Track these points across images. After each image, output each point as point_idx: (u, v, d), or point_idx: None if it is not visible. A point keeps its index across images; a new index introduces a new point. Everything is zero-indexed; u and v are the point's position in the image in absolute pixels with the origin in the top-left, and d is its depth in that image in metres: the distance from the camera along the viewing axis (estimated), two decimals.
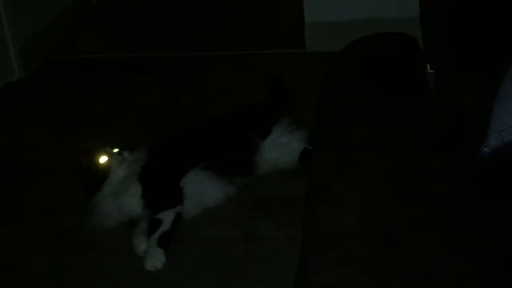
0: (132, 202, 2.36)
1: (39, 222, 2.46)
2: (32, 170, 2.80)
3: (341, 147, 1.68)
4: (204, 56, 3.83)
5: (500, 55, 1.76)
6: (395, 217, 1.38)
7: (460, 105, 1.80)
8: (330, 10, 3.63)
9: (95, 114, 3.24)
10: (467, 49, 1.86)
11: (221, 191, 2.43)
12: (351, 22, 3.54)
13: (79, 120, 3.19)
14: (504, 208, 1.39)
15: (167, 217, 2.28)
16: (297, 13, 3.75)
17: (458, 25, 1.89)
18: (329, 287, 1.25)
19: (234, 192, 2.45)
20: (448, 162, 1.55)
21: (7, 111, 3.36)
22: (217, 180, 2.43)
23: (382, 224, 1.37)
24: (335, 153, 1.67)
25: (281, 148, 2.56)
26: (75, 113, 3.26)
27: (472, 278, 1.22)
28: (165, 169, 2.45)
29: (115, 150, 2.42)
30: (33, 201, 2.59)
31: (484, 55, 1.82)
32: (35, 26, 3.82)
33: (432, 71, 1.99)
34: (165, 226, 2.26)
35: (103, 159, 2.39)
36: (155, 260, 2.18)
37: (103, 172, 2.38)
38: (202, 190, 2.41)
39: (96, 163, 2.39)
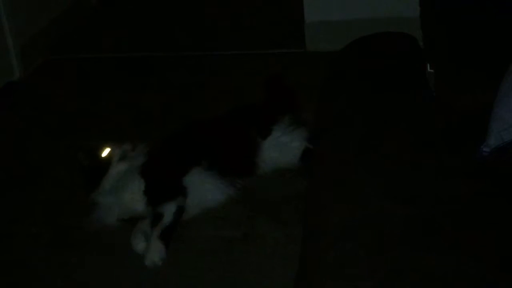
0: (135, 198, 2.36)
1: (39, 222, 2.46)
2: (32, 170, 2.80)
3: (341, 146, 1.68)
4: (204, 56, 3.83)
5: (499, 55, 1.76)
6: (395, 217, 1.39)
7: (460, 104, 1.80)
8: (330, 10, 3.63)
9: (95, 114, 3.23)
10: (467, 49, 1.86)
11: (222, 193, 2.43)
12: (351, 22, 3.54)
13: (79, 120, 3.19)
14: (504, 208, 1.39)
15: (168, 210, 2.28)
16: (297, 13, 3.75)
17: (458, 25, 1.89)
18: (329, 287, 1.25)
19: (235, 194, 2.45)
20: (448, 162, 1.55)
21: (7, 111, 3.36)
22: (219, 181, 2.43)
23: (382, 224, 1.37)
24: (335, 153, 1.67)
25: (282, 147, 2.56)
26: (75, 113, 3.26)
27: (472, 278, 1.22)
28: (167, 165, 2.45)
29: (117, 145, 2.42)
30: (33, 201, 2.59)
31: (483, 55, 1.82)
32: (35, 26, 3.82)
33: (432, 71, 1.99)
34: (167, 219, 2.25)
35: (105, 152, 2.39)
36: (155, 256, 2.18)
37: (104, 166, 2.38)
38: (204, 191, 2.41)
39: (97, 156, 2.39)
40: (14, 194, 2.66)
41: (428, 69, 2.01)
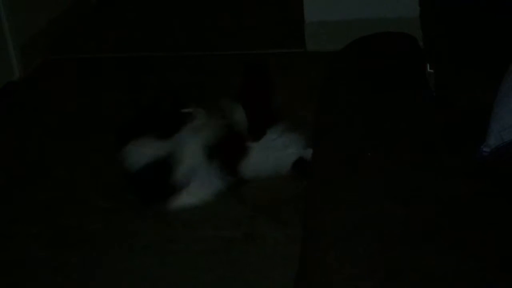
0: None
1: (39, 222, 2.46)
2: (32, 170, 2.80)
3: (341, 146, 1.68)
4: (204, 56, 3.83)
5: (500, 55, 1.76)
6: (395, 217, 1.39)
7: (460, 104, 1.80)
8: (330, 10, 3.63)
9: (95, 114, 3.24)
10: (467, 49, 1.86)
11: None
12: (351, 22, 3.54)
13: (79, 120, 3.19)
14: (504, 208, 1.39)
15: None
16: (297, 13, 3.75)
17: (458, 25, 1.89)
18: (329, 287, 1.25)
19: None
20: (448, 162, 1.55)
21: (7, 111, 3.36)
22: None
23: (382, 224, 1.37)
24: (335, 153, 1.67)
25: (274, 152, 2.51)
26: (75, 112, 3.26)
27: (472, 278, 1.22)
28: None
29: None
30: (33, 201, 2.59)
31: (484, 55, 1.82)
32: (35, 26, 3.82)
33: (432, 71, 1.99)
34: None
35: (186, 109, 2.40)
36: None
37: (184, 119, 2.38)
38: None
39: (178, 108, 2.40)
40: (14, 194, 2.66)
41: (428, 69, 2.01)
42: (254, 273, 2.13)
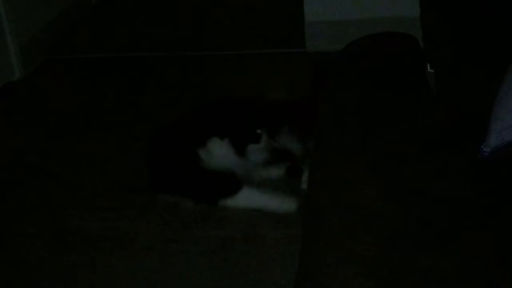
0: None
1: (39, 222, 2.46)
2: (32, 170, 2.80)
3: (341, 146, 1.68)
4: (204, 56, 3.83)
5: (500, 54, 1.76)
6: (395, 217, 1.39)
7: (460, 104, 1.80)
8: (330, 10, 3.63)
9: (95, 114, 3.23)
10: (467, 49, 1.86)
11: None
12: (351, 22, 3.54)
13: (79, 120, 3.19)
14: (504, 208, 1.39)
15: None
16: (297, 13, 3.75)
17: (458, 24, 1.89)
18: (330, 287, 1.25)
19: None
20: (448, 162, 1.55)
21: (7, 111, 3.36)
22: None
23: (382, 224, 1.37)
24: (335, 152, 1.67)
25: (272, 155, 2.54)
26: (75, 112, 3.26)
27: (472, 278, 1.22)
28: None
29: None
30: (33, 201, 2.59)
31: (484, 55, 1.82)
32: (35, 26, 3.82)
33: (432, 71, 1.99)
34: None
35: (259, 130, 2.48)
36: None
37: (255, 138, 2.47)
38: None
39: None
40: (14, 194, 2.66)
41: (428, 69, 2.01)
42: (254, 273, 2.13)
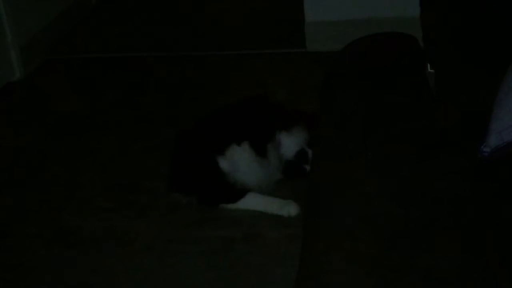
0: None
1: (39, 222, 2.46)
2: (32, 170, 2.80)
3: (342, 146, 1.68)
4: (204, 56, 3.83)
5: (500, 55, 1.76)
6: (395, 217, 1.39)
7: (460, 104, 1.80)
8: (330, 10, 3.63)
9: (95, 114, 3.23)
10: (467, 49, 1.86)
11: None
12: (351, 22, 3.54)
13: (79, 120, 3.19)
14: (505, 208, 1.39)
15: None
16: (297, 13, 3.75)
17: (458, 25, 1.89)
18: (330, 287, 1.25)
19: None
20: (448, 162, 1.55)
21: (7, 111, 3.36)
22: None
23: (382, 224, 1.37)
24: (335, 153, 1.67)
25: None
26: (75, 112, 3.26)
27: (473, 278, 1.22)
28: None
29: None
30: (33, 201, 2.59)
31: (484, 55, 1.82)
32: (35, 26, 3.82)
33: (432, 71, 1.99)
34: None
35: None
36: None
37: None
38: None
39: None
40: (14, 194, 2.66)
41: (428, 69, 2.01)
42: (254, 273, 2.13)
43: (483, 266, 1.24)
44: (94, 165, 2.79)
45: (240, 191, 2.42)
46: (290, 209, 2.35)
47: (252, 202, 2.41)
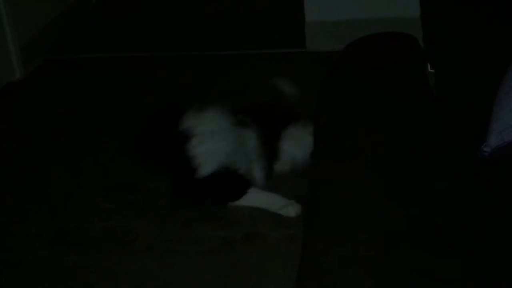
0: None
1: (39, 222, 2.46)
2: (32, 170, 2.80)
3: (342, 146, 1.68)
4: (204, 56, 3.83)
5: (500, 54, 1.76)
6: (395, 217, 1.39)
7: (461, 104, 1.80)
8: (331, 9, 3.63)
9: (95, 114, 3.23)
10: (467, 49, 1.86)
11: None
12: (351, 22, 3.54)
13: (79, 120, 3.19)
14: (505, 208, 1.39)
15: None
16: (297, 13, 3.75)
17: (458, 24, 1.89)
18: (330, 287, 1.25)
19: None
20: (449, 162, 1.55)
21: (7, 111, 3.36)
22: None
23: (382, 224, 1.37)
24: (335, 152, 1.67)
25: (296, 140, 2.56)
26: (75, 112, 3.26)
27: (473, 278, 1.22)
28: None
29: None
30: (33, 201, 2.59)
31: (484, 55, 1.82)
32: (35, 26, 3.82)
33: (432, 71, 1.99)
34: None
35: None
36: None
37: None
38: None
39: None
40: (14, 194, 2.66)
41: (428, 69, 2.01)
42: (254, 273, 2.13)
43: (483, 266, 1.24)
44: (94, 165, 2.79)
45: (243, 186, 2.41)
46: (289, 210, 2.35)
47: (253, 198, 2.41)
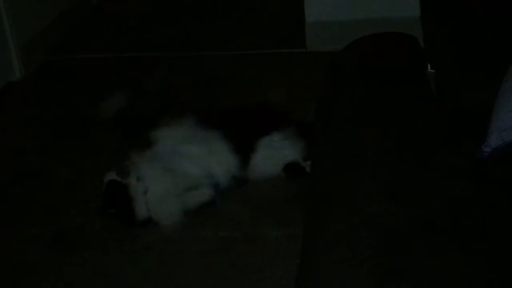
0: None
1: (40, 222, 2.46)
2: (32, 170, 2.80)
3: (341, 146, 1.68)
4: (204, 56, 3.83)
5: (500, 55, 1.76)
6: (395, 217, 1.39)
7: (461, 104, 1.80)
8: (331, 10, 3.63)
9: (95, 114, 3.23)
10: (467, 49, 1.86)
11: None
12: (352, 22, 3.54)
13: (79, 120, 3.19)
14: (505, 208, 1.39)
15: None
16: (298, 12, 3.75)
17: (458, 24, 1.89)
18: (330, 287, 1.25)
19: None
20: (449, 162, 1.55)
21: (7, 111, 3.36)
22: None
23: (382, 224, 1.37)
24: (335, 152, 1.67)
25: (272, 151, 2.55)
26: (75, 113, 3.26)
27: (473, 278, 1.22)
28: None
29: None
30: (33, 201, 2.59)
31: (484, 55, 1.82)
32: (36, 26, 3.82)
33: (432, 70, 1.99)
34: None
35: None
36: None
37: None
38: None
39: None
40: (14, 194, 2.66)
41: (428, 69, 2.01)
42: (254, 273, 2.13)
43: (483, 266, 1.24)
44: (94, 165, 2.79)
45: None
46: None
47: None
